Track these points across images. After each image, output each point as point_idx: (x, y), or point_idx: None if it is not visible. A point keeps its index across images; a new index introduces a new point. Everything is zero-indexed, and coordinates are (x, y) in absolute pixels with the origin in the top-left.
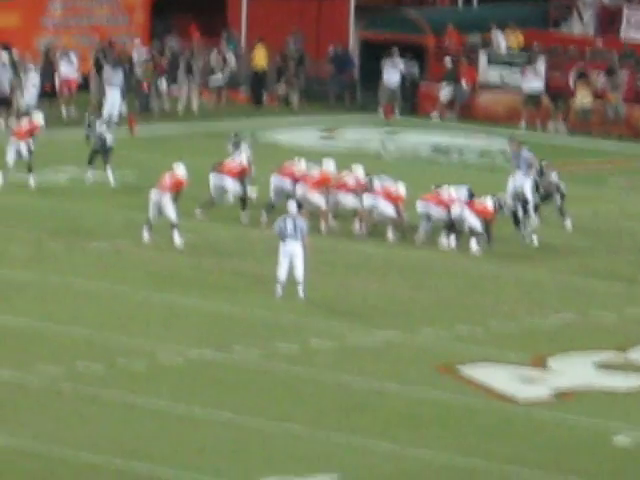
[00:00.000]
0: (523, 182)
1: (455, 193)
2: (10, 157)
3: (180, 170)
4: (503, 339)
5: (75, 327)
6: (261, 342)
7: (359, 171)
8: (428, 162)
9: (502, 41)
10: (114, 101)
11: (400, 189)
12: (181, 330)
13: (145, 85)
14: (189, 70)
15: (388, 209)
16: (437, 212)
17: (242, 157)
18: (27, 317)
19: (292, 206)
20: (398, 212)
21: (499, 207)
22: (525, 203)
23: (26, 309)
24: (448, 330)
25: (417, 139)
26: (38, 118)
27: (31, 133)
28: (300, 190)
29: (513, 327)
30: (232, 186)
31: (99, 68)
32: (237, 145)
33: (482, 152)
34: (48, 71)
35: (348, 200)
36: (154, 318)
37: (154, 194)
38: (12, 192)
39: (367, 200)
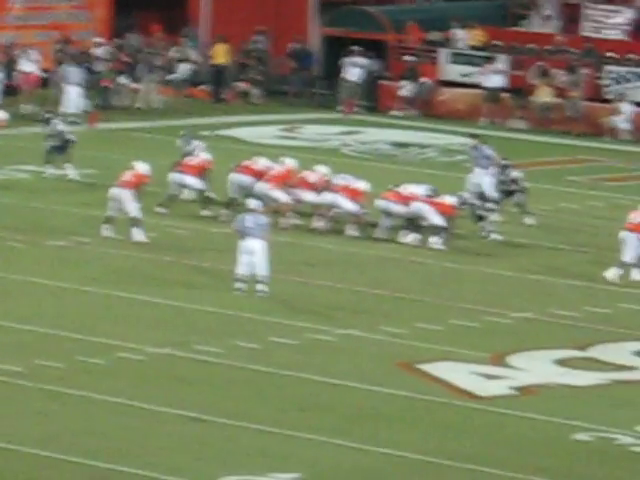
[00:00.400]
0: (483, 179)
1: (415, 190)
2: None
3: (143, 167)
4: (463, 336)
5: (35, 324)
6: (221, 339)
7: (322, 169)
8: (388, 159)
9: (463, 38)
10: (72, 98)
11: (361, 185)
12: (141, 327)
13: (106, 81)
14: (150, 67)
15: (348, 205)
16: (397, 209)
17: (202, 154)
18: None
19: (252, 203)
20: (358, 208)
21: (461, 204)
22: (484, 200)
23: None
24: (408, 327)
25: (377, 136)
26: (1, 115)
27: None
28: (260, 187)
29: (473, 324)
30: (193, 183)
31: (60, 65)
32: (187, 141)
33: (443, 149)
34: (9, 68)
35: (308, 196)
36: (114, 315)
37: (114, 190)
38: None
39: (327, 196)
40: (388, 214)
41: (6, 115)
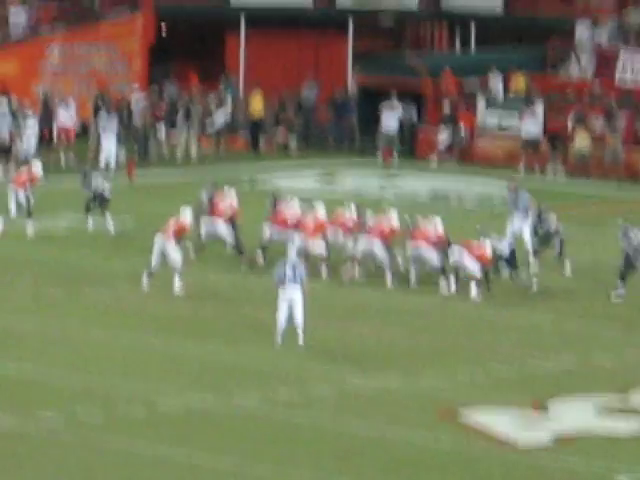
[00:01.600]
0: (522, 225)
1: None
2: (11, 205)
3: (185, 216)
4: (503, 383)
5: (74, 374)
6: (260, 388)
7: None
8: (427, 207)
9: (500, 85)
10: (110, 148)
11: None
12: (180, 377)
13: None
14: (187, 116)
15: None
16: (431, 256)
17: (232, 200)
18: (27, 365)
19: (292, 252)
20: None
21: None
22: (512, 252)
23: (26, 357)
24: (448, 374)
25: (416, 184)
26: (37, 167)
27: (30, 182)
28: (299, 240)
29: (513, 371)
30: (224, 230)
31: (97, 115)
32: (209, 192)
33: (481, 197)
34: (46, 118)
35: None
36: (153, 365)
37: (159, 239)
38: (11, 240)
39: (362, 244)
40: (421, 261)
41: (40, 170)
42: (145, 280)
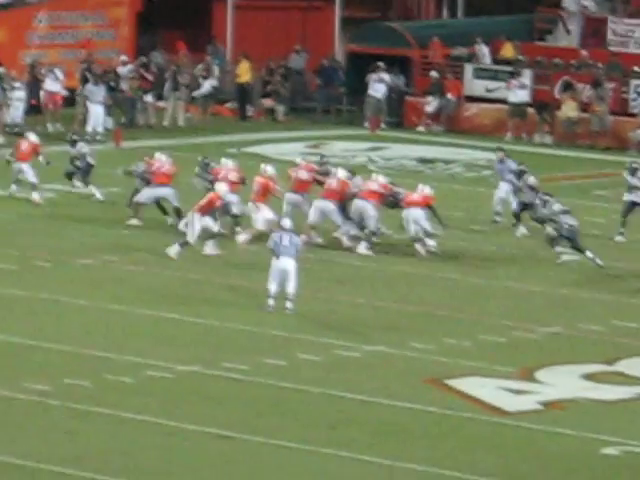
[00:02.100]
0: (508, 194)
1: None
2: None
3: (220, 190)
4: (491, 352)
5: (62, 343)
6: (249, 357)
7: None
8: (414, 175)
9: (487, 54)
10: (98, 117)
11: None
12: (169, 345)
13: (130, 96)
14: (175, 85)
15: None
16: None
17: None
18: (14, 333)
19: (287, 222)
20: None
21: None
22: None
23: (13, 325)
24: (436, 343)
25: (403, 152)
26: (34, 138)
27: (35, 152)
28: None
29: (501, 340)
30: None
31: (85, 83)
32: (205, 167)
33: (468, 164)
34: (34, 87)
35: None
36: (141, 333)
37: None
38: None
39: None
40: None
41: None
42: (176, 249)
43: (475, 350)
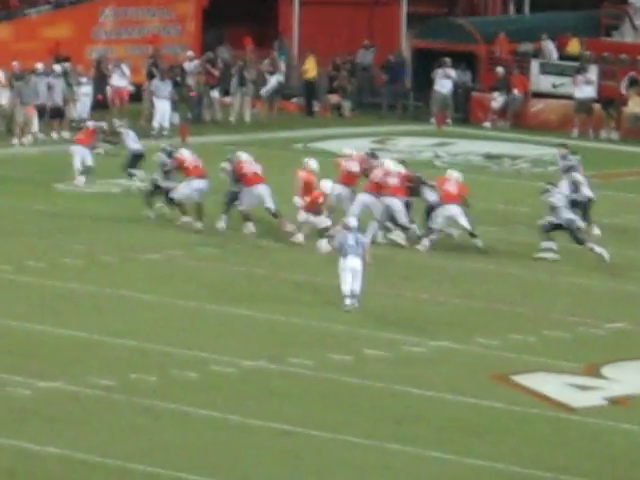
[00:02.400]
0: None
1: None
2: (77, 164)
3: (325, 187)
4: (556, 348)
5: (128, 339)
6: (315, 352)
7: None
8: (480, 170)
9: (553, 50)
10: (163, 113)
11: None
12: (234, 340)
13: (196, 95)
14: (241, 81)
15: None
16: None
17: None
18: (80, 329)
19: (353, 221)
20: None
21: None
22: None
23: (79, 321)
24: (501, 339)
25: (469, 147)
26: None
27: (93, 138)
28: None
29: (566, 336)
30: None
31: (151, 79)
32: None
33: (535, 160)
34: (100, 82)
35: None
36: (207, 329)
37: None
38: (70, 200)
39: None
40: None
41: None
42: (324, 244)
43: (540, 346)
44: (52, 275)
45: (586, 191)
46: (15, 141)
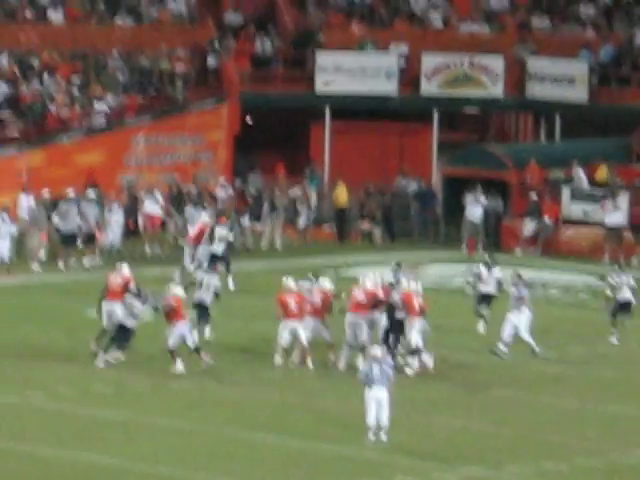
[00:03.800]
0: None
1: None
2: (106, 322)
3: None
4: (589, 476)
5: (160, 466)
6: None
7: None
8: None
9: (583, 176)
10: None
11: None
12: (265, 469)
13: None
14: (272, 207)
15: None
16: None
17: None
18: (114, 456)
19: (377, 350)
20: None
21: None
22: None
23: (112, 448)
24: (533, 466)
25: (500, 274)
26: (125, 270)
27: (126, 289)
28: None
29: (599, 463)
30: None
31: (184, 207)
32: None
33: (566, 287)
34: (131, 209)
35: None
36: (238, 456)
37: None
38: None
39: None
40: None
41: (128, 272)
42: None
43: (572, 474)
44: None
45: None
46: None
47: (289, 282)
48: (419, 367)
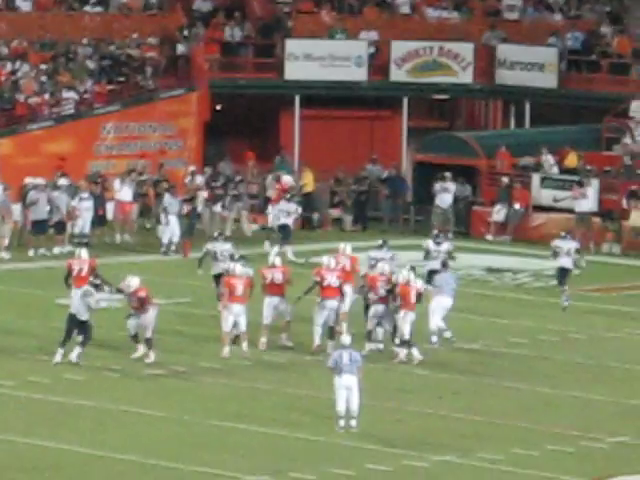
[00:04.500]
0: None
1: None
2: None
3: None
4: (559, 462)
5: (130, 454)
6: (316, 467)
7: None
8: (482, 284)
9: (553, 163)
10: (174, 229)
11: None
12: (236, 455)
13: (190, 210)
14: (239, 195)
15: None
16: None
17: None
18: (81, 444)
19: (347, 339)
20: None
21: None
22: None
23: (83, 435)
24: (504, 453)
25: (471, 261)
26: (84, 255)
27: (92, 272)
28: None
29: (569, 449)
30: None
31: (158, 195)
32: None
33: (536, 273)
34: (101, 197)
35: None
36: (209, 444)
37: (235, 307)
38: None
39: None
40: None
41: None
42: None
43: (543, 460)
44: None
45: None
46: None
47: (236, 267)
48: (405, 357)
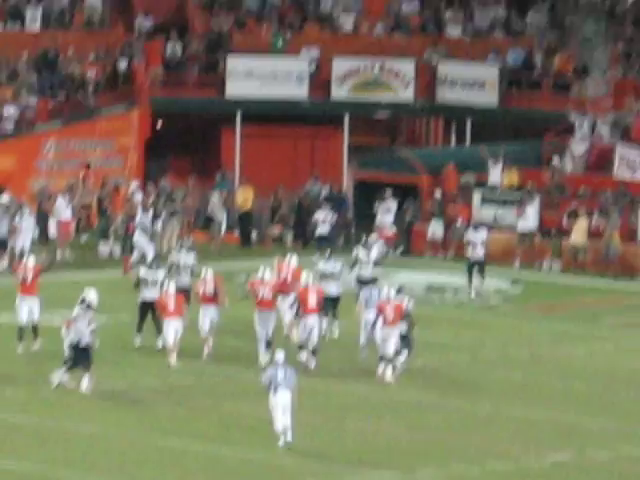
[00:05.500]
0: None
1: None
2: (26, 318)
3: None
4: (499, 479)
5: (70, 470)
6: None
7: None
8: (422, 302)
9: (498, 178)
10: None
11: None
12: (175, 474)
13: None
14: (172, 211)
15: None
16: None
17: None
18: (25, 460)
19: (280, 355)
20: None
21: None
22: None
23: (23, 452)
24: (445, 470)
25: (412, 279)
26: (31, 261)
27: (35, 277)
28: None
29: (509, 467)
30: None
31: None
32: None
33: (477, 290)
34: (42, 214)
35: None
36: (145, 461)
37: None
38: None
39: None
40: None
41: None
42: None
43: (484, 477)
44: None
45: None
46: None
47: (170, 286)
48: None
